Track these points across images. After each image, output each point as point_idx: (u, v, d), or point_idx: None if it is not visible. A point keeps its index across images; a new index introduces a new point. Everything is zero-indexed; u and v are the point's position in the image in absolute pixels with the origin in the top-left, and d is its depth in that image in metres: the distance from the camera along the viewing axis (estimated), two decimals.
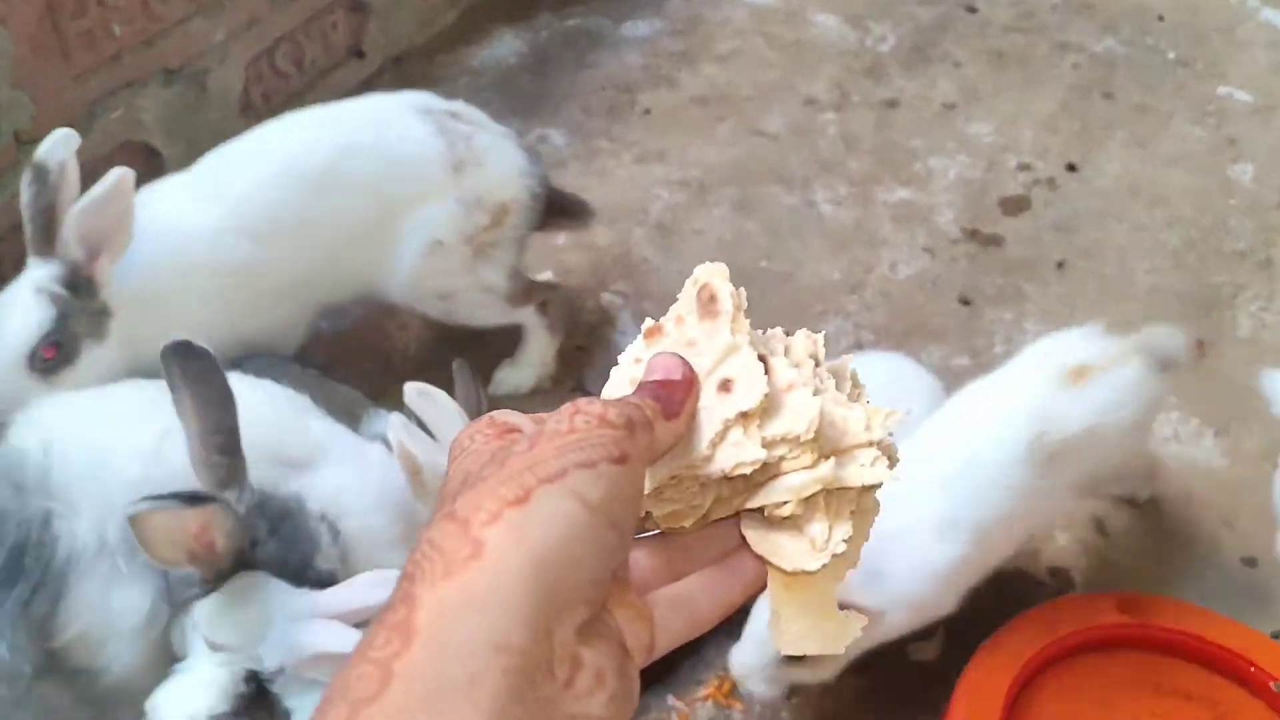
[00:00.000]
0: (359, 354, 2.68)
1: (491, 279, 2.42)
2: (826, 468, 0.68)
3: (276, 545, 1.67)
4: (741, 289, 0.78)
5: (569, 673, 0.58)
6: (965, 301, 2.82)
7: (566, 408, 0.65)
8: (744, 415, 0.69)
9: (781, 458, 0.68)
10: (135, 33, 2.67)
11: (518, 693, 0.53)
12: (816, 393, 0.71)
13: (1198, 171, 3.17)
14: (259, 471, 1.77)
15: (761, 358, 0.73)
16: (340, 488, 1.89)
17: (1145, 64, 3.60)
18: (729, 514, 0.71)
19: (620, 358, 0.79)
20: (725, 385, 0.71)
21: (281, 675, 1.48)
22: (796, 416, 0.69)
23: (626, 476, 0.63)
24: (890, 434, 0.73)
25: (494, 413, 0.71)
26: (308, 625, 1.51)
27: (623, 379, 0.76)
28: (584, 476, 0.60)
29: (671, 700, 2.06)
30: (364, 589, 1.57)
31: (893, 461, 0.71)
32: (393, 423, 1.81)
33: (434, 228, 2.30)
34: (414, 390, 1.85)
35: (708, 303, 0.78)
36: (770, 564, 0.70)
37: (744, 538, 0.71)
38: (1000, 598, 2.21)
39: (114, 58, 2.65)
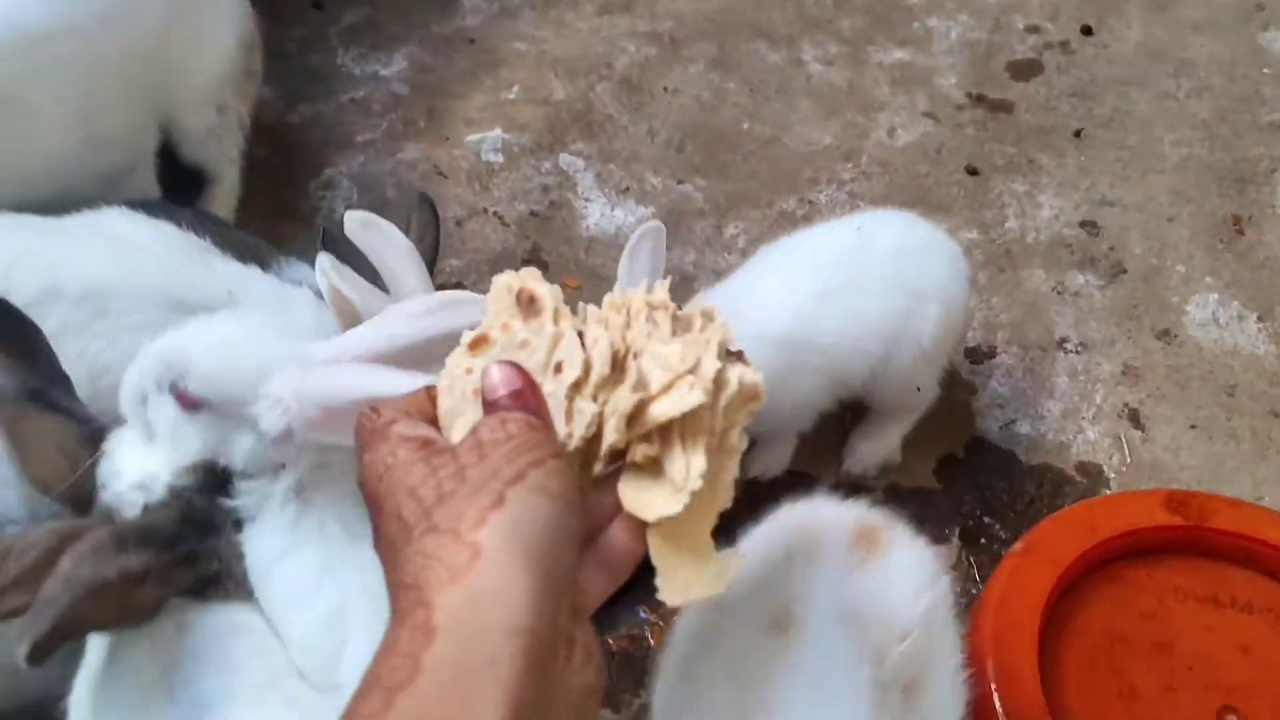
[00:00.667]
0: (274, 214, 2.29)
1: None
2: (627, 400, 0.76)
3: None
4: (557, 285, 0.87)
5: (567, 650, 0.70)
6: (973, 171, 2.49)
7: (491, 420, 0.75)
8: (573, 386, 0.78)
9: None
10: None
11: (534, 670, 0.64)
12: (625, 341, 0.81)
13: (1225, 38, 2.84)
14: (158, 318, 1.45)
15: (580, 333, 0.82)
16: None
17: None
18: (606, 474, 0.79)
19: (444, 371, 0.85)
20: (558, 368, 0.81)
21: (282, 447, 1.18)
22: (602, 364, 0.78)
23: (566, 467, 0.74)
24: (728, 352, 0.81)
25: (393, 426, 0.78)
26: (322, 370, 1.16)
27: (459, 392, 0.83)
28: (539, 474, 0.71)
29: (644, 613, 1.74)
30: (400, 320, 1.21)
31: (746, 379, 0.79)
32: (322, 264, 1.43)
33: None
34: (357, 221, 1.49)
35: (528, 304, 0.85)
36: (647, 522, 0.78)
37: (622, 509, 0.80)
38: (1020, 495, 1.91)
39: None
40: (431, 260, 1.77)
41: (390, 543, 0.73)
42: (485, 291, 2.06)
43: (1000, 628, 1.59)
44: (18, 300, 1.33)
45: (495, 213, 2.35)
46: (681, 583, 0.81)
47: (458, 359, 0.85)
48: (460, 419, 0.82)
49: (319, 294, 1.51)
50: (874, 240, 1.82)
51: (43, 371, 1.24)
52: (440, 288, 2.17)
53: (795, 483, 1.92)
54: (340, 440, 1.10)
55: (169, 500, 1.13)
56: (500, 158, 2.46)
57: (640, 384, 0.79)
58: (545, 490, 0.71)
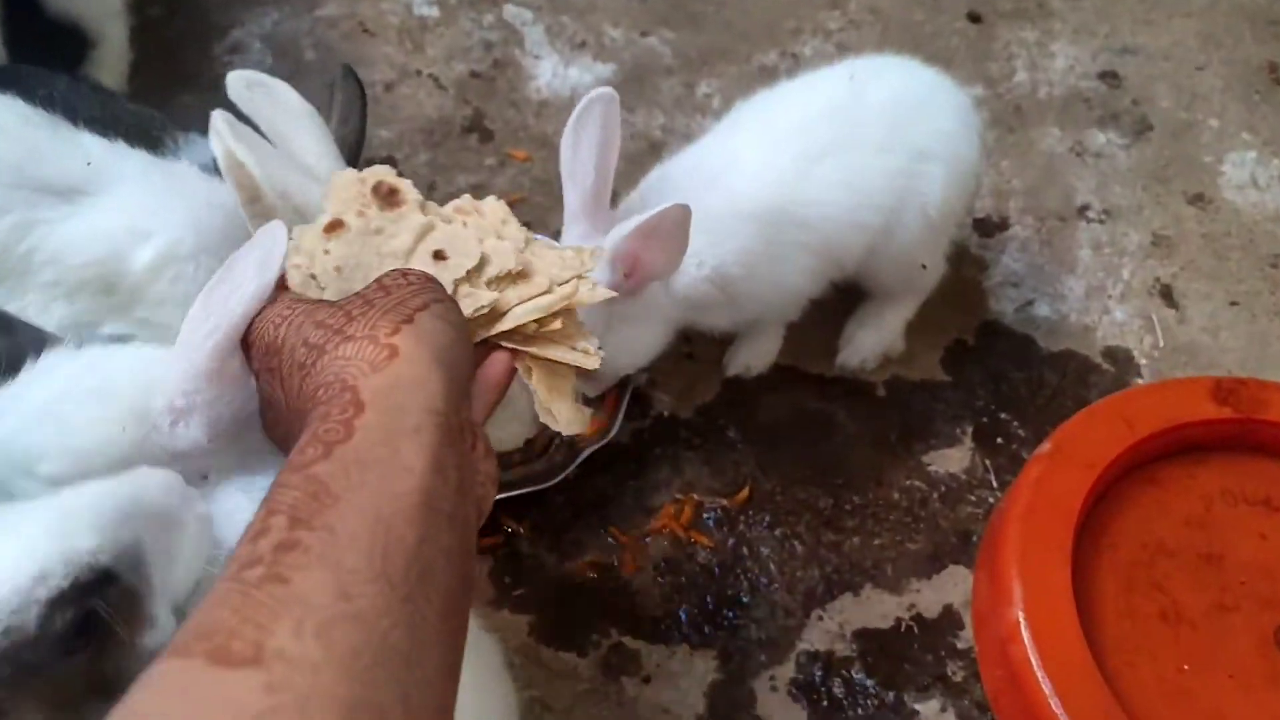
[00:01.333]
0: (171, 84, 1.96)
1: None
2: (550, 297, 0.92)
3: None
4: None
5: (472, 440, 0.78)
6: (975, 18, 2.18)
7: (393, 270, 0.85)
8: (469, 272, 0.91)
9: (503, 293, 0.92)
10: None
11: (448, 440, 0.72)
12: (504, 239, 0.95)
13: None
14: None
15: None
16: (142, 208, 1.25)
17: None
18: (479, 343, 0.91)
19: (292, 248, 0.91)
20: (439, 255, 0.92)
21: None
22: (503, 259, 0.92)
23: (459, 309, 0.85)
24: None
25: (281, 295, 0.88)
26: (191, 346, 0.87)
27: (322, 268, 0.91)
28: (440, 307, 0.81)
29: (612, 535, 1.50)
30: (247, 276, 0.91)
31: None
32: (215, 124, 1.14)
33: None
34: (241, 81, 1.22)
35: (388, 195, 0.96)
36: (537, 365, 0.94)
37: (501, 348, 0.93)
38: (1041, 388, 1.67)
39: None
40: (358, 143, 1.48)
41: (297, 367, 0.79)
42: (425, 162, 1.73)
43: (1028, 545, 1.36)
44: None
45: (430, 74, 2.03)
46: (568, 418, 0.93)
47: (313, 240, 0.92)
48: (325, 293, 0.90)
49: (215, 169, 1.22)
50: (868, 91, 1.53)
51: None
52: (368, 162, 1.88)
53: (782, 379, 1.67)
54: (247, 402, 0.88)
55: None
56: (435, 10, 2.12)
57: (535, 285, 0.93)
58: (445, 319, 0.80)
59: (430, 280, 0.84)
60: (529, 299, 0.92)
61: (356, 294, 0.82)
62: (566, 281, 0.93)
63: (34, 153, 1.30)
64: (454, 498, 0.71)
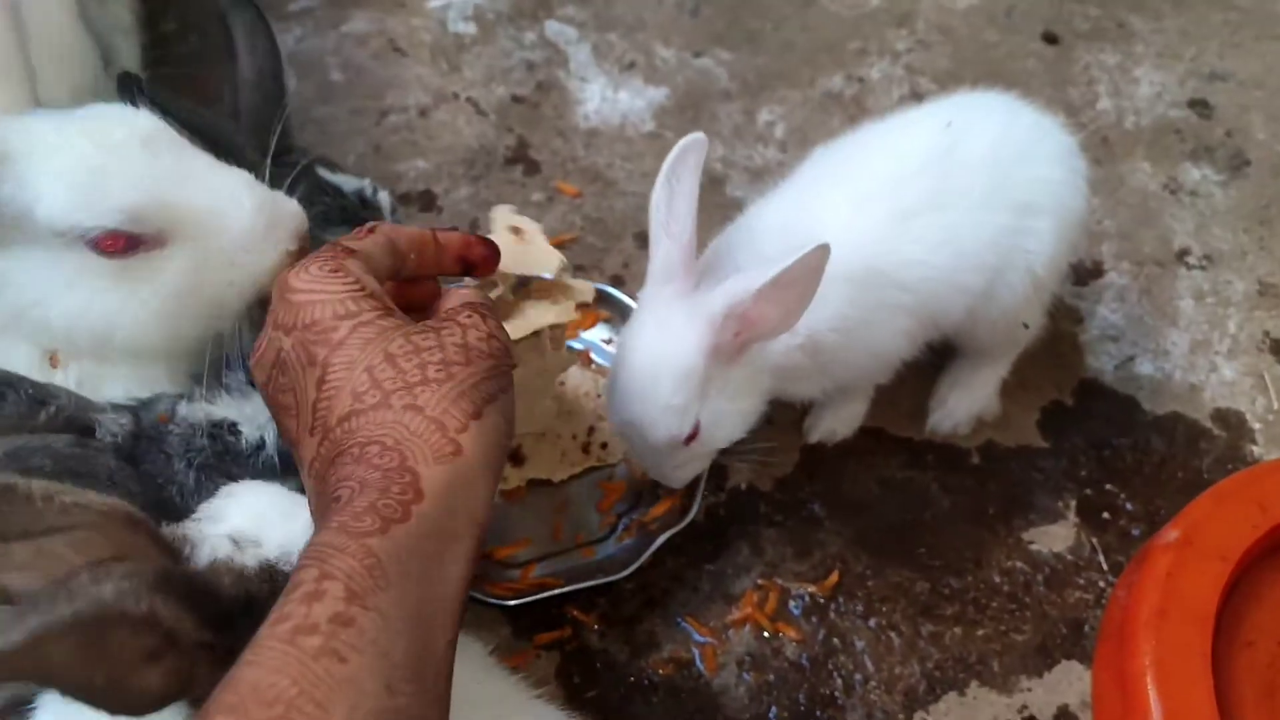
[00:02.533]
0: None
1: None
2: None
3: None
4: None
5: None
6: (1051, 39, 2.04)
7: (481, 329, 0.88)
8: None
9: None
10: None
11: (478, 553, 0.78)
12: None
13: None
14: None
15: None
16: None
17: None
18: None
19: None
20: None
21: None
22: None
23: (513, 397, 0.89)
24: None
25: (340, 257, 0.90)
26: None
27: None
28: (505, 400, 0.86)
29: (691, 627, 1.35)
30: None
31: None
32: None
33: None
34: None
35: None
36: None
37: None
38: (1149, 457, 1.53)
39: None
40: (277, 74, 1.45)
41: (352, 395, 0.82)
42: (464, 197, 1.58)
43: (1163, 652, 1.22)
44: None
45: (469, 98, 1.88)
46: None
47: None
48: None
49: None
50: (967, 139, 1.38)
51: None
52: (405, 194, 1.74)
53: (867, 445, 1.52)
54: None
55: (254, 576, 0.84)
56: (471, 27, 1.97)
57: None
58: (504, 414, 0.85)
59: (505, 355, 0.88)
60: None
61: (441, 339, 0.85)
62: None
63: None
64: (464, 604, 0.77)
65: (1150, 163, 1.85)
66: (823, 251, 1.11)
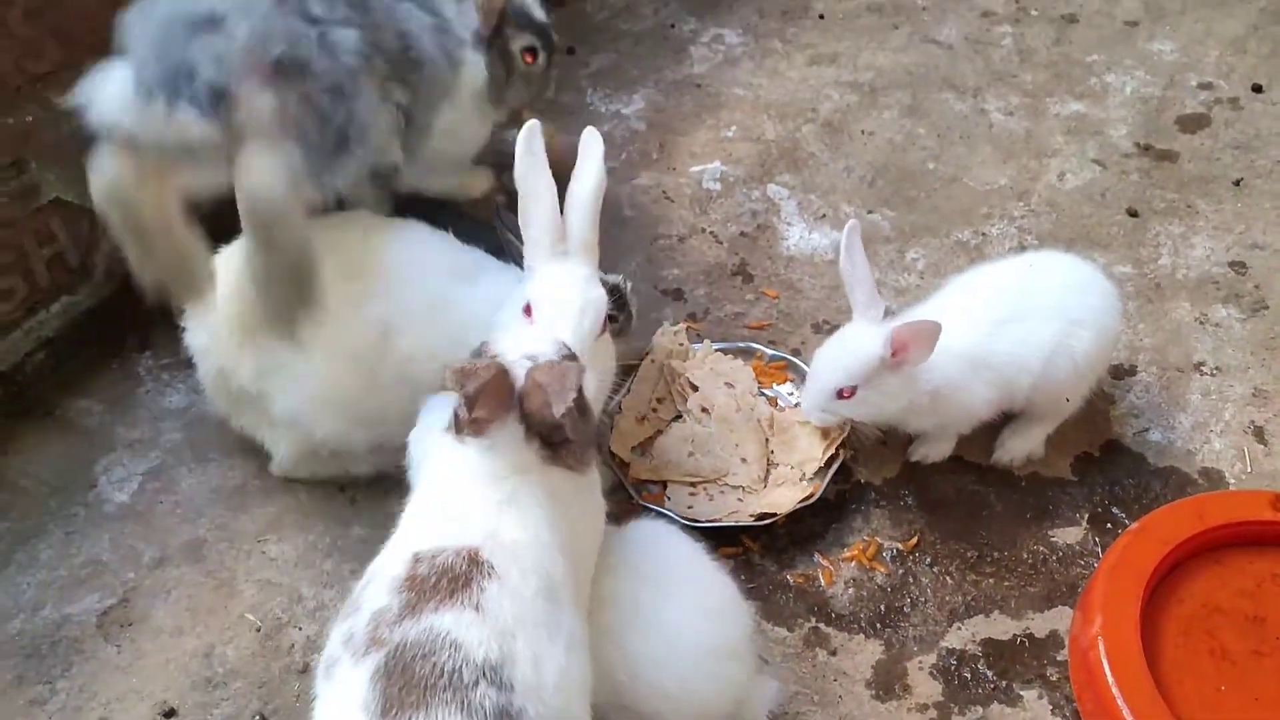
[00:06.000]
0: None
1: None
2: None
3: None
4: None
5: None
6: (1133, 213, 2.81)
7: None
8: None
9: None
10: None
11: None
12: None
13: None
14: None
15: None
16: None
17: None
18: None
19: None
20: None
21: None
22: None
23: None
24: None
25: None
26: None
27: None
28: None
29: (818, 558, 2.16)
30: None
31: None
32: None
33: None
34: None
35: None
36: None
37: None
38: (1146, 492, 2.24)
39: None
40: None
41: None
42: (703, 295, 2.56)
43: (1110, 588, 1.94)
44: None
45: (711, 232, 2.82)
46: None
47: None
48: None
49: None
50: (1043, 276, 2.21)
51: None
52: (664, 290, 2.66)
53: (950, 465, 2.31)
54: None
55: None
56: (718, 186, 2.93)
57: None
58: None
59: None
60: None
61: None
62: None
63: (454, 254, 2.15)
64: None
65: (1190, 303, 2.58)
66: (937, 325, 1.97)
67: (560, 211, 1.94)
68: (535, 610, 1.43)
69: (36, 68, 2.26)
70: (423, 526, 1.56)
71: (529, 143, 1.94)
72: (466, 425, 1.54)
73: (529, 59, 2.36)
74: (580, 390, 1.53)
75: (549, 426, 1.54)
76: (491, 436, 1.54)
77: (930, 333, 1.99)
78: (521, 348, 1.60)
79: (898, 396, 2.12)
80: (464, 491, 1.56)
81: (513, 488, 1.54)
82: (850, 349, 2.10)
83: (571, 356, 1.63)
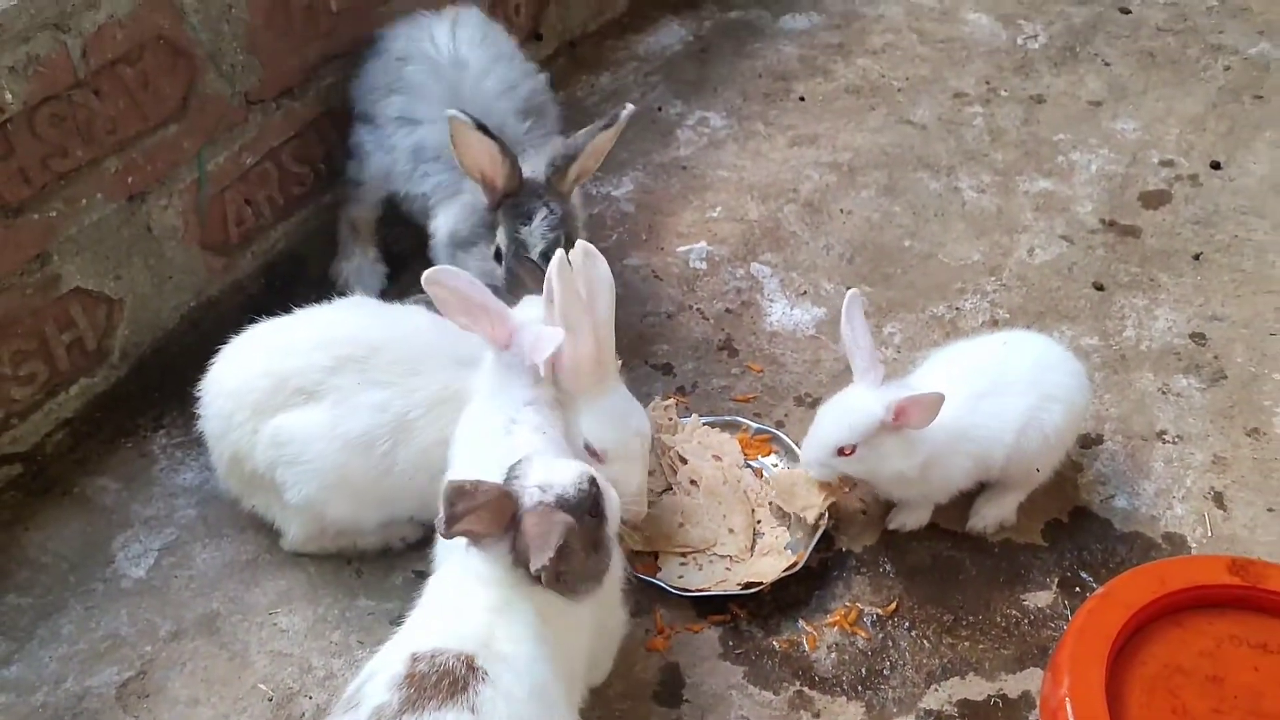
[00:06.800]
0: None
1: None
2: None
3: None
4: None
5: None
6: (1099, 287, 2.95)
7: None
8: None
9: None
10: (351, 7, 2.99)
11: None
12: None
13: None
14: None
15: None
16: None
17: None
18: None
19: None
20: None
21: None
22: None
23: None
24: None
25: None
26: None
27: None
28: None
29: (802, 624, 2.27)
30: None
31: None
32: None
33: None
34: (581, 250, 2.09)
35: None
36: None
37: None
38: (1112, 556, 2.37)
39: (329, 32, 2.97)
40: None
41: None
42: (691, 369, 2.69)
43: (1077, 650, 2.06)
44: None
45: (698, 309, 2.96)
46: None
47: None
48: None
49: None
50: (1016, 354, 2.35)
51: None
52: (654, 364, 2.80)
53: (927, 532, 2.43)
54: None
55: None
56: (704, 265, 3.08)
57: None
58: None
59: None
60: None
61: None
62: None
63: (455, 340, 2.26)
64: None
65: (1153, 373, 2.72)
66: (940, 396, 2.10)
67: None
68: (529, 710, 1.58)
69: (61, 167, 2.41)
70: (425, 624, 1.69)
71: (563, 274, 1.99)
72: (444, 533, 1.65)
73: None
74: (591, 529, 1.71)
75: (545, 579, 1.67)
76: (485, 548, 1.68)
77: (932, 403, 2.13)
78: (540, 475, 1.71)
79: (894, 458, 2.24)
80: (464, 592, 1.70)
81: (506, 597, 1.68)
82: (853, 409, 2.23)
83: (593, 486, 1.75)
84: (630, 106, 2.51)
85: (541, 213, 2.45)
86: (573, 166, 2.48)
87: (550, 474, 1.71)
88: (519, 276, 2.50)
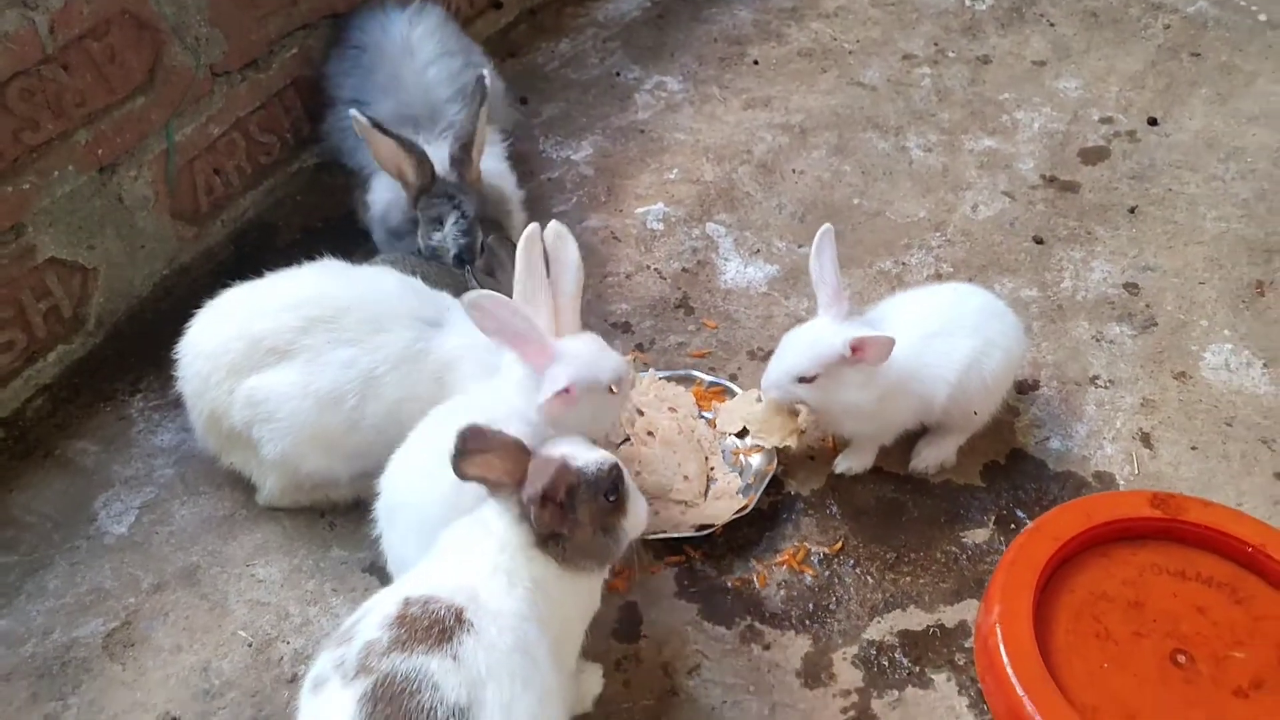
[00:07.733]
0: None
1: None
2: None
3: None
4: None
5: None
6: (1039, 240, 3.08)
7: None
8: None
9: None
10: None
11: None
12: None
13: (1277, 127, 3.34)
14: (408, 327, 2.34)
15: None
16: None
17: (1235, 25, 3.77)
18: None
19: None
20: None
21: None
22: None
23: None
24: None
25: None
26: None
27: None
28: None
29: (753, 563, 2.41)
30: None
31: None
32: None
33: None
34: (554, 230, 2.18)
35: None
36: None
37: None
38: (1046, 494, 2.51)
39: (291, 4, 3.05)
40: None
41: None
42: (649, 327, 2.78)
43: (1008, 580, 2.20)
44: None
45: (655, 269, 3.07)
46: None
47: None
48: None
49: None
50: (965, 301, 2.48)
51: None
52: (614, 323, 2.91)
53: (871, 475, 2.56)
54: None
55: None
56: (661, 226, 3.18)
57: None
58: None
59: None
60: None
61: None
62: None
63: (420, 298, 2.37)
64: None
65: (1088, 322, 2.86)
66: (891, 340, 2.21)
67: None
68: (510, 663, 1.67)
69: (32, 140, 2.49)
70: (427, 571, 1.80)
71: (529, 252, 2.10)
72: (455, 472, 1.77)
73: None
74: (605, 511, 1.83)
75: (533, 515, 1.77)
76: (494, 499, 1.80)
77: (886, 345, 2.25)
78: (567, 448, 1.84)
79: (851, 389, 2.36)
80: (468, 546, 1.81)
81: (507, 554, 1.79)
82: (817, 340, 2.34)
83: (616, 472, 1.85)
84: (486, 72, 2.69)
85: (451, 217, 2.61)
86: (473, 152, 2.61)
87: (577, 449, 1.84)
88: (499, 255, 2.63)
